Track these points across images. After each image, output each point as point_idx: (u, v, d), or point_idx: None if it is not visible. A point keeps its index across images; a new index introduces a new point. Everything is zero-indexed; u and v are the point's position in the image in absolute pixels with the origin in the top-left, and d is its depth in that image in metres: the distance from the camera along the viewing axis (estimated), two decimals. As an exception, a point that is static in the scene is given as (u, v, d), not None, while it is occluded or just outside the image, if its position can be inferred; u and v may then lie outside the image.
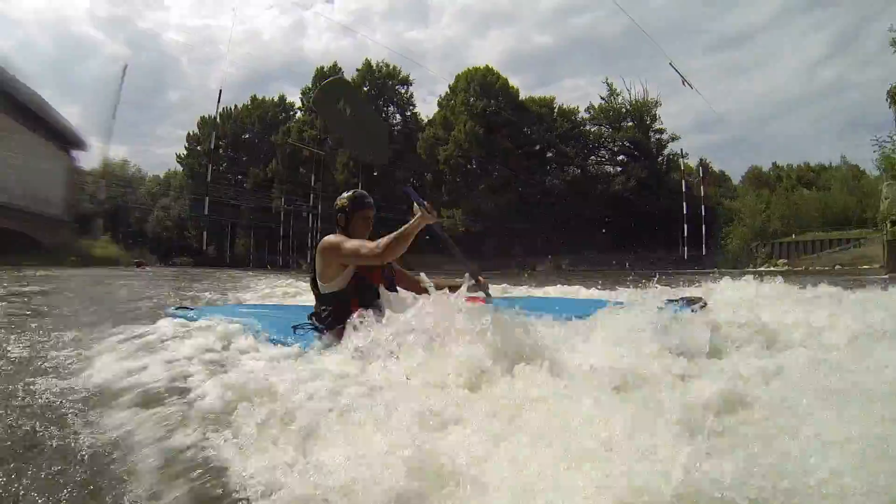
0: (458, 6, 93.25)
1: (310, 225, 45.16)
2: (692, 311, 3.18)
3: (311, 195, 44.35)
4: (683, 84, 39.38)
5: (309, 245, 47.24)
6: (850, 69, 76.11)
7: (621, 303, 3.48)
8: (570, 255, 41.76)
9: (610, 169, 43.13)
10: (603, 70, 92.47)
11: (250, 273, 26.72)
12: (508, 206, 39.77)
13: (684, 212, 40.42)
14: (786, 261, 41.41)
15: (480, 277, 2.99)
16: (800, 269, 37.88)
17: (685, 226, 40.66)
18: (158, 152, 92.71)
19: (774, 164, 50.83)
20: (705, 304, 3.50)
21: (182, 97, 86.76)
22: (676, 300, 3.29)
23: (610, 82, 43.08)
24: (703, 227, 42.23)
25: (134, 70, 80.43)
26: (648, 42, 76.21)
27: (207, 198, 41.06)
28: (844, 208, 45.90)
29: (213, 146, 44.04)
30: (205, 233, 44.66)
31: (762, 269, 39.98)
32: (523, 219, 39.65)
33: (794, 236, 43.52)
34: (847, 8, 77.06)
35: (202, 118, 52.15)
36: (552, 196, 40.50)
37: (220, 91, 48.75)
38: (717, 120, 66.60)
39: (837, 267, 36.42)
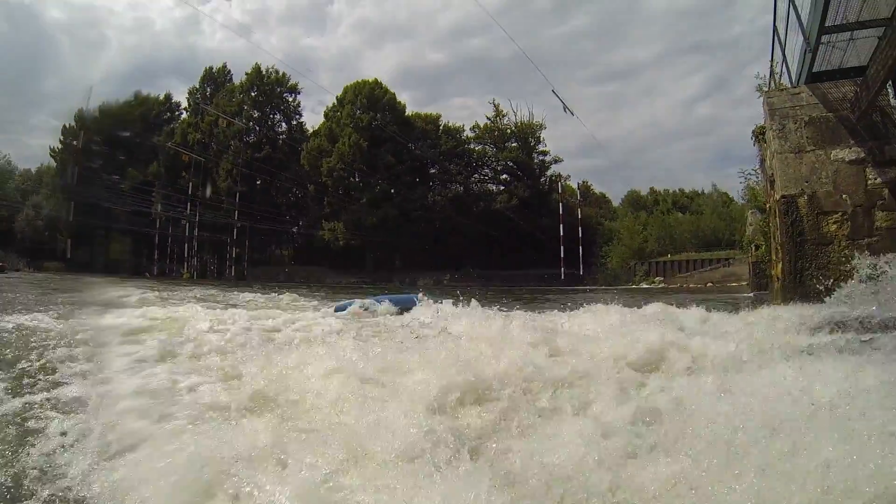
0: (356, 16, 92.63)
1: (187, 233, 43.21)
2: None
3: (189, 203, 42.39)
4: (565, 111, 41.10)
5: (187, 254, 45.29)
6: (722, 108, 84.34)
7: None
8: (450, 270, 42.36)
9: (493, 187, 44.16)
10: (492, 91, 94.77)
11: (115, 282, 24.59)
12: (389, 221, 39.75)
13: (560, 233, 41.94)
14: (662, 278, 43.94)
15: None
16: (675, 285, 40.41)
17: (561, 247, 42.17)
18: (32, 143, 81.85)
19: (652, 188, 54.01)
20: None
21: (61, 85, 77.18)
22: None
23: (497, 103, 44.17)
24: (581, 247, 43.97)
25: (9, 48, 71.33)
26: (539, 69, 79.56)
27: (72, 203, 38.23)
28: (715, 230, 49.28)
29: (80, 145, 40.98)
30: (69, 240, 41.53)
31: (641, 286, 42.38)
32: (404, 233, 39.77)
33: (669, 256, 46.23)
34: (722, 56, 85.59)
35: (80, 111, 48.73)
36: (434, 212, 40.86)
37: (91, 88, 45.76)
38: (598, 146, 71.11)
39: (709, 284, 39.22)
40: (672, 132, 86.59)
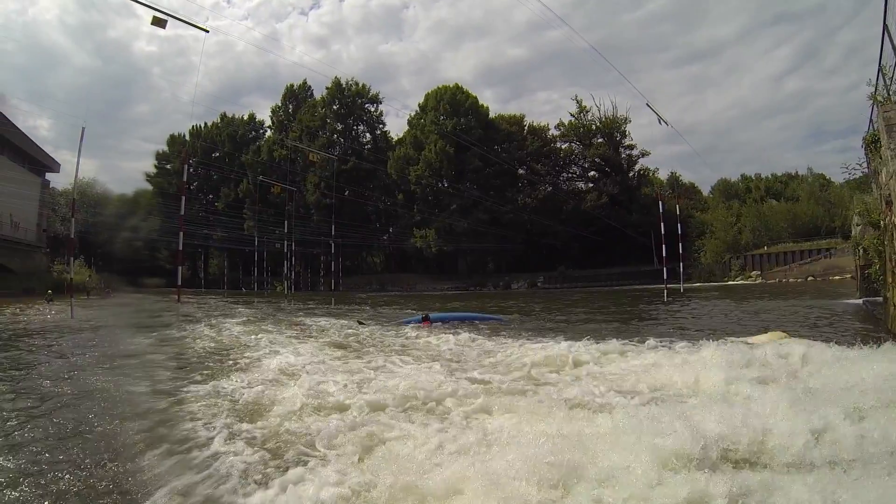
0: (432, 19, 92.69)
1: (284, 249, 44.35)
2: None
3: (287, 223, 43.18)
4: (660, 122, 39.82)
5: (286, 269, 46.57)
6: (812, 80, 78.59)
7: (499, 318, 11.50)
8: (544, 271, 41.76)
9: (581, 185, 43.26)
10: (574, 83, 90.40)
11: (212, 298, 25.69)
12: (480, 226, 39.58)
13: (662, 231, 40.59)
14: (759, 272, 41.79)
15: None
16: (773, 280, 38.31)
17: (663, 245, 40.83)
18: (125, 167, 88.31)
19: (743, 175, 51.51)
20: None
21: (151, 110, 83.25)
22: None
23: (579, 99, 43.21)
24: (680, 244, 42.52)
25: (103, 80, 77.49)
26: (619, 56, 77.23)
27: (182, 234, 39.74)
28: (813, 217, 46.39)
29: (185, 179, 42.46)
30: (180, 267, 43.38)
31: (737, 281, 40.38)
32: (496, 237, 39.51)
33: (765, 248, 43.89)
34: (810, 23, 79.55)
35: (171, 136, 51.25)
36: (524, 214, 40.37)
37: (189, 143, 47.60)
38: (685, 131, 68.15)
39: (810, 278, 36.90)
40: (760, 111, 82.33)
